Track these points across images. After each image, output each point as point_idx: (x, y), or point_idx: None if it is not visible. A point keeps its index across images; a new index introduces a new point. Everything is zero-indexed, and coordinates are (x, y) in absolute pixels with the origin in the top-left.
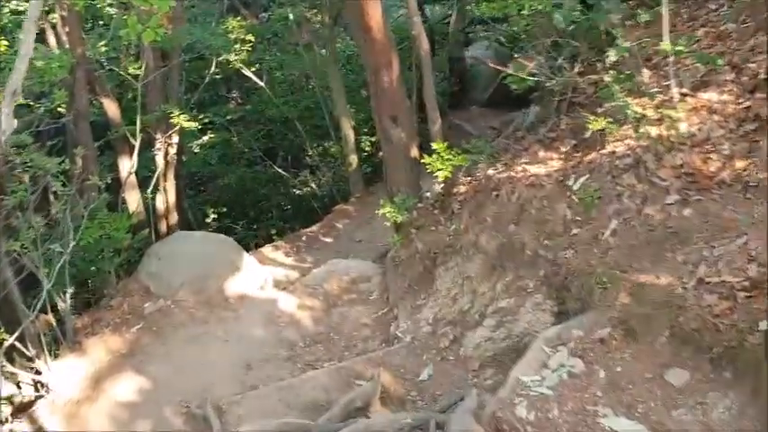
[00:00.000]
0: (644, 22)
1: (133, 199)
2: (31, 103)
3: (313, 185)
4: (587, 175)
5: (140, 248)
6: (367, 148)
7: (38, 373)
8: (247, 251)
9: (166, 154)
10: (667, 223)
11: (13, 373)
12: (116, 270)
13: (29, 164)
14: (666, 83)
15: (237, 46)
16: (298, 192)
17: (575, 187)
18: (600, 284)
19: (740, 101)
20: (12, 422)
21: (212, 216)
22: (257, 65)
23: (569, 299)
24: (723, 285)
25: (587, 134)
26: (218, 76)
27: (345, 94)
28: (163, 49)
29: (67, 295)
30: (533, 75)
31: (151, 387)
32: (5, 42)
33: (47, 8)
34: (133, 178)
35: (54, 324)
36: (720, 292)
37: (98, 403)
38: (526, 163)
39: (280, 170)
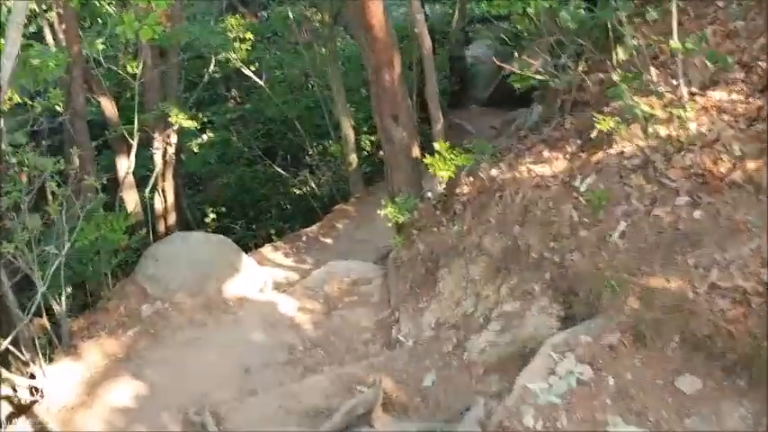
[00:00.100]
0: (651, 20)
1: (131, 199)
2: (28, 102)
3: (313, 185)
4: (594, 176)
5: (138, 249)
6: (367, 148)
7: (32, 377)
8: (246, 251)
9: (165, 153)
10: (677, 225)
11: (7, 378)
12: (113, 272)
13: (24, 164)
14: (674, 82)
15: (236, 44)
16: (297, 191)
17: (581, 188)
18: (608, 288)
19: (750, 100)
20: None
21: (211, 216)
22: (256, 64)
23: (576, 303)
24: (736, 290)
25: (593, 134)
26: (217, 75)
27: (345, 94)
28: (161, 47)
29: (63, 298)
30: (537, 73)
31: (148, 392)
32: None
33: (44, 6)
34: (131, 178)
35: (49, 327)
36: (733, 296)
37: (93, 409)
38: (530, 163)
39: (279, 170)
